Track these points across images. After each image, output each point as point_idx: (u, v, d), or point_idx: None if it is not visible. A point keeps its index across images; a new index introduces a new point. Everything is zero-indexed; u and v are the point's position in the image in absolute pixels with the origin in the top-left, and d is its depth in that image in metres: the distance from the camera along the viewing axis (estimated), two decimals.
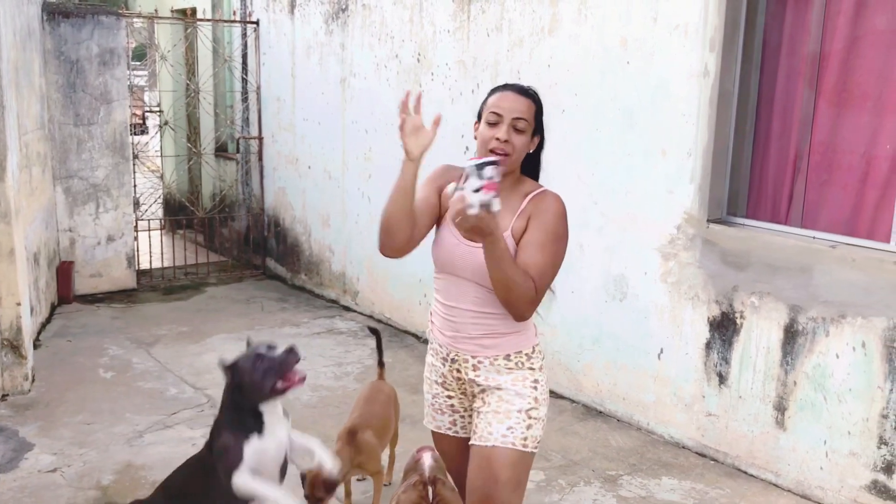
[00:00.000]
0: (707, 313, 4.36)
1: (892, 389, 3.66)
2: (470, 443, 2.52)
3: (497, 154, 2.35)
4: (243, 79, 8.29)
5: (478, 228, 2.14)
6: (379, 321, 6.74)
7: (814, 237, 4.03)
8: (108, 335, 6.27)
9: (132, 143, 7.58)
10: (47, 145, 6.84)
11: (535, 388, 2.48)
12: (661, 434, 4.64)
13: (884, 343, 3.67)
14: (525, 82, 5.11)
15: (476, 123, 2.48)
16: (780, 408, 4.08)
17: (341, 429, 3.66)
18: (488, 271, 2.28)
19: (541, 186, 2.50)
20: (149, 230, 8.13)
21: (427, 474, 2.17)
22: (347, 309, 7.14)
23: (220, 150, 9.07)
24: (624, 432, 4.71)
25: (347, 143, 6.94)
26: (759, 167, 4.42)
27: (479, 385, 2.51)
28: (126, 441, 4.48)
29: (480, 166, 2.12)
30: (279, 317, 6.91)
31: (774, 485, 4.11)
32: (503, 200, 2.35)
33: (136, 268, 7.72)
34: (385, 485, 4.08)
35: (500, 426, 2.43)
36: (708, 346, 4.37)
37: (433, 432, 2.72)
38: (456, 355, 2.52)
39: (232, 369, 2.69)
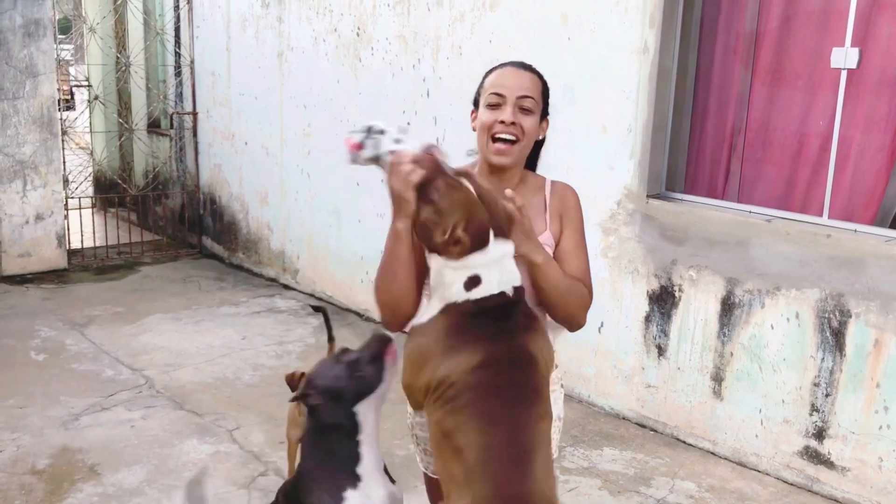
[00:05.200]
0: (646, 287, 4.44)
1: (823, 359, 3.79)
2: None
3: (502, 146, 2.03)
4: (176, 52, 8.07)
5: (522, 230, 1.89)
6: (320, 299, 6.68)
7: (750, 212, 4.12)
8: (39, 316, 6.08)
9: (60, 119, 7.33)
10: None
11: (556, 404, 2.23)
12: (601, 406, 4.72)
13: (816, 314, 3.79)
14: (466, 58, 5.15)
15: (473, 112, 2.14)
16: (718, 378, 4.19)
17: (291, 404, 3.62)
18: (538, 283, 1.97)
19: (546, 178, 2.21)
20: (79, 208, 7.88)
21: (452, 173, 1.82)
22: (287, 287, 7.06)
23: (153, 126, 8.83)
24: (565, 405, 4.72)
25: (285, 119, 6.83)
26: (696, 143, 4.50)
27: None
28: (61, 424, 4.36)
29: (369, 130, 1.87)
30: (217, 296, 6.79)
31: (712, 453, 4.23)
32: (525, 199, 2.06)
33: (67, 247, 7.49)
34: None
35: None
36: (647, 319, 4.45)
37: (429, 478, 2.32)
38: None
39: (322, 394, 2.16)
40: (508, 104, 2.04)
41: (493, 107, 2.06)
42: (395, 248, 1.92)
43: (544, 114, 2.14)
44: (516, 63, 2.12)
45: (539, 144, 2.23)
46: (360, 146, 1.88)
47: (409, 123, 5.60)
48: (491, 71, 2.14)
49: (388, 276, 1.96)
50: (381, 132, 1.88)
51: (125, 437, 4.25)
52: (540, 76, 2.13)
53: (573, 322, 2.10)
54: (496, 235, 1.84)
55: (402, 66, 5.64)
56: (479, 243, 1.82)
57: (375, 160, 1.89)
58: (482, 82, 2.14)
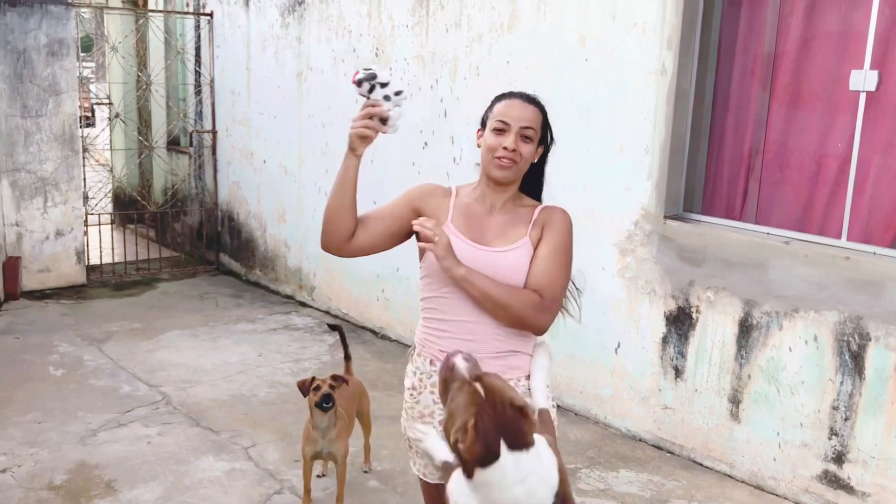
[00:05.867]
0: (663, 308, 4.42)
1: (842, 382, 3.76)
2: None
3: (504, 162, 2.29)
4: (197, 71, 8.16)
5: (445, 261, 2.18)
6: (336, 317, 6.70)
7: (768, 233, 4.11)
8: (58, 332, 6.13)
9: (81, 136, 7.42)
10: None
11: (555, 409, 2.36)
12: (618, 427, 4.70)
13: (835, 336, 3.76)
14: (483, 78, 5.18)
15: (479, 131, 2.40)
16: (735, 400, 4.16)
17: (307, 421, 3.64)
18: (468, 293, 2.23)
19: (542, 203, 2.44)
20: (99, 225, 7.96)
21: (467, 376, 1.89)
22: (304, 304, 7.09)
23: (173, 144, 8.92)
24: (581, 426, 4.76)
25: (304, 138, 6.89)
26: (714, 164, 4.49)
27: None
28: (79, 440, 4.38)
29: (372, 78, 2.25)
30: (234, 313, 6.82)
31: (729, 476, 4.19)
32: (509, 212, 2.36)
33: (86, 263, 7.56)
34: (365, 471, 4.13)
35: None
36: (664, 340, 4.44)
37: (425, 483, 2.46)
38: None
39: None
40: (512, 132, 2.29)
41: (498, 132, 2.31)
42: (342, 174, 2.34)
43: (541, 141, 2.38)
44: (523, 96, 2.37)
45: (540, 174, 2.48)
46: (359, 84, 2.27)
47: (426, 144, 5.64)
48: (500, 98, 2.38)
49: (331, 197, 2.34)
50: (382, 85, 2.28)
51: (142, 453, 4.26)
52: (542, 109, 2.37)
53: (525, 325, 2.27)
54: (510, 447, 1.77)
55: (419, 86, 5.68)
56: (488, 451, 1.76)
57: (365, 95, 2.29)
58: (491, 107, 2.38)
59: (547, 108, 2.39)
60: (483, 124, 2.38)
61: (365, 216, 2.39)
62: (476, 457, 1.76)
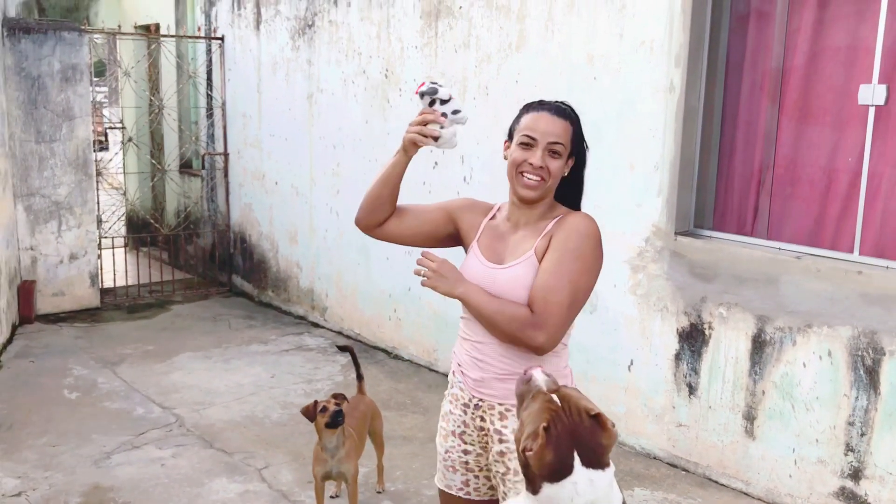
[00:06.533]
0: (676, 325, 4.41)
1: (857, 397, 3.73)
2: None
3: (530, 181, 2.20)
4: (208, 95, 8.24)
5: (444, 288, 2.22)
6: (348, 337, 6.71)
7: (779, 248, 4.10)
8: (72, 355, 6.16)
9: (95, 160, 7.49)
10: (8, 162, 6.73)
11: None
12: (632, 445, 4.68)
13: (849, 352, 3.74)
14: (493, 98, 5.21)
15: (506, 143, 2.31)
16: (749, 417, 4.13)
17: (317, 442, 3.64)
18: (470, 311, 2.26)
19: (570, 212, 2.31)
20: (112, 248, 8.01)
21: (543, 387, 1.76)
22: (316, 325, 7.10)
23: (185, 167, 8.98)
24: None
25: (315, 159, 6.93)
26: (724, 180, 4.49)
27: (503, 441, 2.25)
28: (93, 462, 4.40)
29: (433, 92, 2.28)
30: (247, 334, 6.84)
31: (745, 493, 4.16)
32: (530, 227, 2.28)
33: (100, 286, 7.60)
34: (378, 492, 4.12)
35: None
36: (677, 357, 4.42)
37: (442, 492, 2.48)
38: (480, 400, 2.30)
39: None
40: (539, 148, 2.20)
41: (524, 147, 2.21)
42: (388, 168, 2.34)
43: (573, 153, 2.27)
44: (553, 108, 2.25)
45: (580, 180, 2.38)
46: (421, 95, 2.30)
47: (436, 164, 5.66)
48: (529, 109, 2.28)
49: (373, 184, 2.37)
50: (442, 102, 2.29)
51: (155, 475, 4.27)
52: (573, 121, 2.26)
53: (518, 343, 2.18)
54: (585, 463, 1.64)
55: None
56: (560, 462, 1.63)
57: (429, 103, 2.31)
58: (519, 118, 2.28)
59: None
60: (510, 135, 2.29)
61: (403, 207, 2.42)
62: (546, 466, 1.62)
